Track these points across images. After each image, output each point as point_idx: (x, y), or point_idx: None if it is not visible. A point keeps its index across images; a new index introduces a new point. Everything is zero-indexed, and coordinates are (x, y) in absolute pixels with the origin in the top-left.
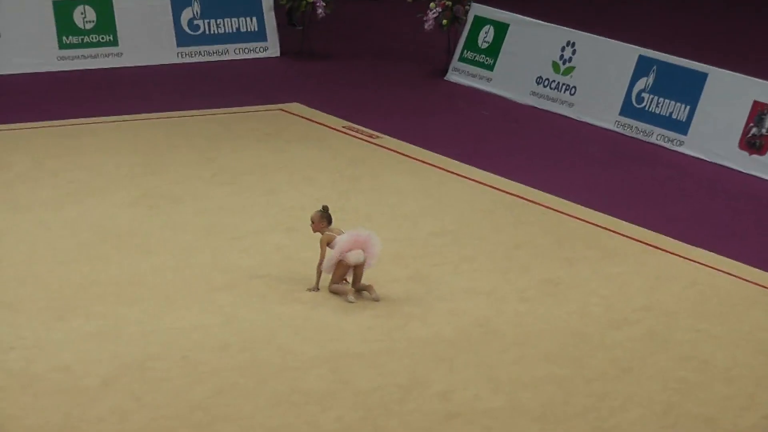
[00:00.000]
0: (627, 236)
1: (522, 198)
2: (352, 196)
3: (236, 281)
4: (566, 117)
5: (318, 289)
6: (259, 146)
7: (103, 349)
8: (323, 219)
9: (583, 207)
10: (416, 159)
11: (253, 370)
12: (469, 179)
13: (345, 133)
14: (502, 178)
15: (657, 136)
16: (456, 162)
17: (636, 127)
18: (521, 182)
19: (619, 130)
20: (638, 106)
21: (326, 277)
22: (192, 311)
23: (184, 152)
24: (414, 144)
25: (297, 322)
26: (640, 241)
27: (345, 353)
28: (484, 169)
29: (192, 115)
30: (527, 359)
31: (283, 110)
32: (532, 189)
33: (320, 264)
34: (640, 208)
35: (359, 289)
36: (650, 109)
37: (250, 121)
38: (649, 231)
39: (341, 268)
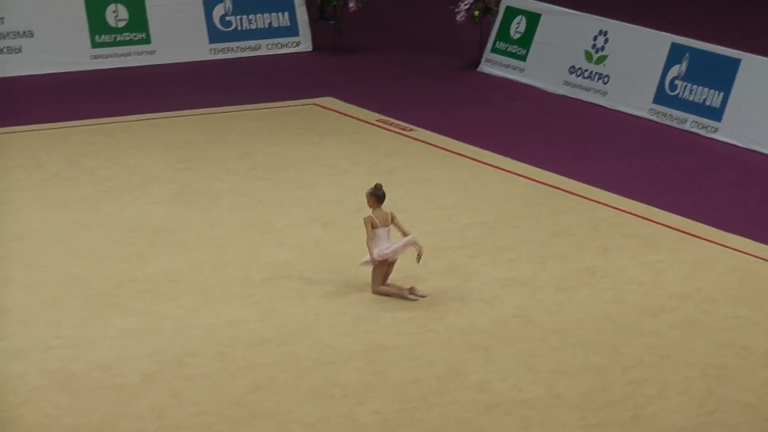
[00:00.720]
0: (663, 224)
1: (557, 188)
2: (387, 188)
3: (273, 276)
4: (600, 106)
5: (370, 264)
6: (294, 141)
7: (141, 346)
8: (372, 197)
9: (618, 195)
10: (450, 151)
11: (290, 365)
12: (504, 170)
13: (379, 126)
14: (537, 169)
15: (691, 123)
16: (490, 153)
17: (670, 115)
18: (556, 172)
19: (653, 117)
20: (671, 94)
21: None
22: (229, 307)
23: (219, 148)
24: (448, 136)
25: (334, 317)
26: (676, 229)
27: (381, 346)
28: (519, 160)
29: (226, 111)
30: (565, 348)
31: (316, 104)
32: (567, 179)
33: (368, 239)
34: (676, 195)
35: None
36: (684, 96)
37: (284, 115)
38: (685, 218)
39: (382, 266)
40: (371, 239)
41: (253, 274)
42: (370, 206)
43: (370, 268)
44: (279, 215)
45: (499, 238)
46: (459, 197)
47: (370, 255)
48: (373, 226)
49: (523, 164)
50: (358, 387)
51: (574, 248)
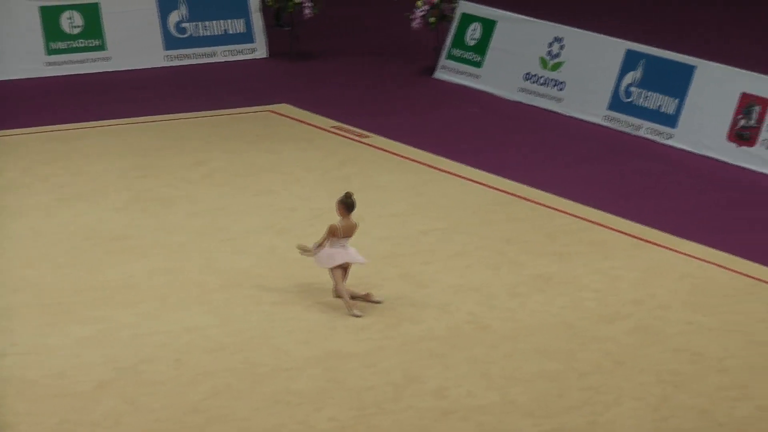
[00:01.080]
0: (618, 230)
1: (512, 194)
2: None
3: (230, 283)
4: (555, 112)
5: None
6: (250, 148)
7: (97, 353)
8: (341, 205)
9: (573, 202)
10: (406, 157)
11: (247, 372)
12: (459, 177)
13: (334, 133)
14: (492, 175)
15: (646, 129)
16: (446, 159)
17: (625, 121)
18: (511, 179)
19: (608, 124)
20: (627, 100)
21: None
22: (186, 313)
23: (175, 155)
24: (403, 143)
25: (290, 323)
26: (631, 235)
27: (338, 353)
28: (474, 167)
29: (181, 118)
30: (519, 354)
31: (272, 111)
32: (522, 185)
33: (316, 246)
34: (631, 202)
35: (354, 297)
36: (639, 103)
37: (239, 122)
38: (640, 225)
39: (338, 269)
40: (322, 246)
41: (209, 281)
42: (339, 215)
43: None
44: (235, 222)
45: (452, 244)
46: (413, 204)
47: (314, 253)
48: (334, 235)
49: (478, 171)
50: (315, 394)
51: (528, 255)
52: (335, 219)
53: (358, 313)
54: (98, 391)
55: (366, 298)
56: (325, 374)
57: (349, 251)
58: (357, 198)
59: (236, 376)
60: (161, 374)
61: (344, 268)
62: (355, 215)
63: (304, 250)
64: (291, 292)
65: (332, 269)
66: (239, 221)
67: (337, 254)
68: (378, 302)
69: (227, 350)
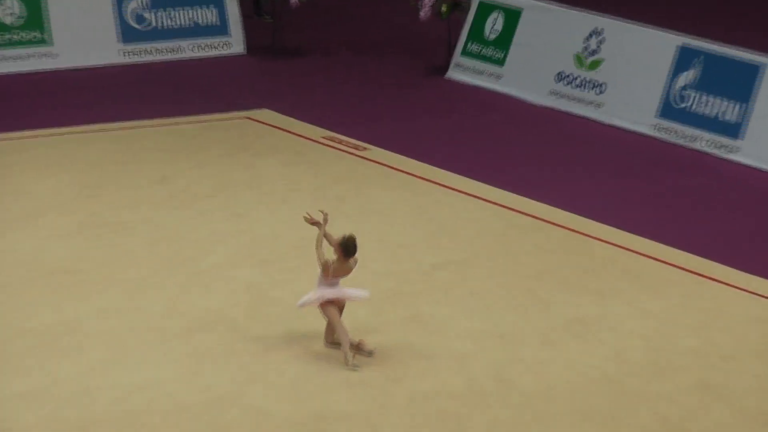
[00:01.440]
0: (669, 263)
1: (541, 219)
2: (335, 220)
3: (197, 327)
4: (593, 120)
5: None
6: (223, 162)
7: (34, 412)
8: (339, 248)
9: (616, 229)
10: (412, 174)
11: None
12: (477, 198)
13: (325, 144)
14: (517, 196)
15: (704, 141)
16: (460, 177)
17: (678, 131)
18: (540, 200)
19: (658, 135)
20: (680, 106)
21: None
22: (143, 365)
23: (132, 171)
24: (409, 156)
25: (270, 377)
26: (688, 270)
27: (329, 414)
28: (495, 186)
29: (141, 127)
30: (553, 417)
31: (250, 118)
32: (554, 208)
33: (318, 242)
34: (686, 228)
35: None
36: (695, 110)
37: (211, 132)
38: (697, 256)
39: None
40: (320, 248)
41: (172, 325)
42: (337, 254)
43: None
44: (204, 253)
45: (470, 281)
46: (422, 231)
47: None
48: (324, 273)
49: (500, 190)
50: None
51: (562, 293)
52: (327, 246)
53: (357, 364)
54: None
55: (358, 347)
56: None
57: (343, 288)
58: (353, 224)
59: None
60: None
61: (339, 307)
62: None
63: (306, 304)
64: (272, 338)
65: (324, 308)
66: (210, 251)
67: (329, 290)
68: (371, 352)
69: (192, 411)
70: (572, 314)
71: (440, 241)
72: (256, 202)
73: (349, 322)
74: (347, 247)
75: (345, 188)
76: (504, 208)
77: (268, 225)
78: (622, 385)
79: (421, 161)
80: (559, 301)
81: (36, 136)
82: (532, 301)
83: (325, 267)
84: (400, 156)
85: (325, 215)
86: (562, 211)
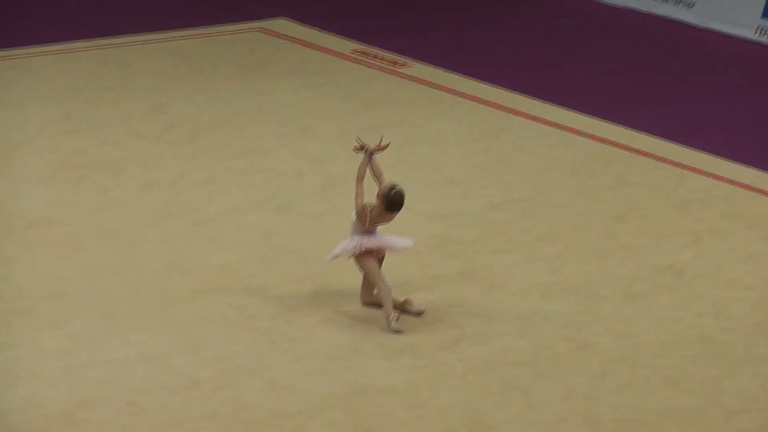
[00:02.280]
0: None
1: (624, 147)
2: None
3: (204, 287)
4: (685, 24)
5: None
6: (231, 85)
7: (12, 394)
8: (383, 202)
9: (714, 157)
10: (463, 95)
11: (234, 419)
12: (545, 122)
13: (356, 60)
14: (593, 119)
15: None
16: (523, 97)
17: None
18: (622, 124)
19: (764, 40)
20: None
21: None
22: (141, 334)
23: (121, 98)
24: (459, 73)
25: (296, 345)
26: None
27: (368, 388)
28: (565, 107)
29: (132, 43)
30: (640, 386)
31: (263, 30)
32: (639, 133)
33: (359, 174)
34: None
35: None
36: None
37: (215, 48)
38: None
39: (368, 259)
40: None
41: (174, 285)
42: (378, 201)
43: (347, 265)
44: (210, 197)
45: (538, 224)
46: (477, 164)
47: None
48: (361, 219)
49: (572, 113)
50: None
51: (649, 237)
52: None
53: (401, 328)
54: None
55: (404, 307)
56: (350, 419)
57: (383, 236)
58: (392, 158)
59: (218, 425)
60: (108, 425)
61: (378, 259)
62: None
63: (338, 257)
64: (296, 299)
65: (360, 260)
66: (217, 196)
67: (366, 239)
68: (420, 313)
69: (203, 388)
70: (662, 261)
71: (500, 176)
72: (272, 134)
73: (391, 276)
74: (392, 203)
75: (380, 114)
76: (577, 134)
77: (287, 162)
78: (723, 345)
79: (474, 79)
80: (645, 245)
81: (4, 58)
82: (613, 247)
83: (362, 212)
84: (447, 73)
85: (381, 144)
86: (648, 136)
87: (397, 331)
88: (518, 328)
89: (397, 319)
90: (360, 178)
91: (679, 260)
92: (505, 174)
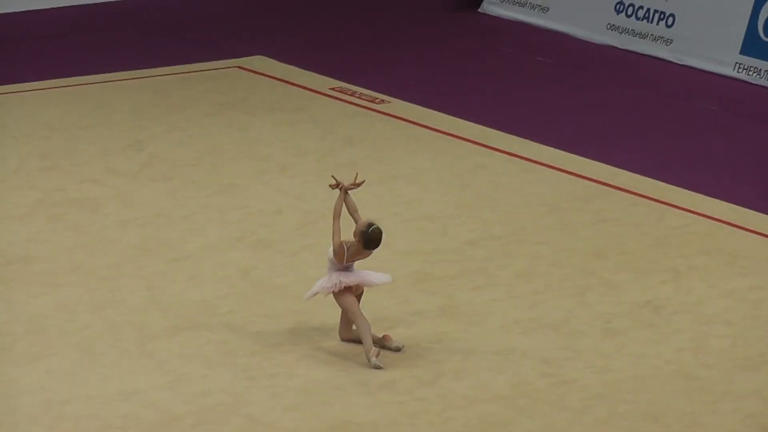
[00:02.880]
0: (760, 233)
1: (602, 183)
2: (350, 191)
3: (183, 323)
4: (663, 60)
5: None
6: (209, 122)
7: None
8: (360, 237)
9: (692, 193)
10: (440, 131)
11: None
12: (523, 158)
13: (334, 97)
14: (572, 155)
15: None
16: (500, 133)
17: (766, 71)
18: (599, 159)
19: (742, 76)
20: None
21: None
22: (120, 370)
23: (99, 135)
24: (436, 110)
25: (275, 381)
26: None
27: (347, 424)
28: (543, 143)
29: (110, 80)
30: (619, 421)
31: (241, 67)
32: (617, 169)
33: (336, 211)
34: None
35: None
36: None
37: (194, 85)
38: None
39: (347, 296)
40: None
41: (152, 322)
42: (356, 239)
43: (326, 301)
44: (188, 234)
45: (517, 260)
46: (456, 201)
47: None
48: (338, 257)
49: (550, 149)
50: None
51: (629, 273)
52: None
53: (381, 364)
54: None
55: (382, 343)
56: None
57: (361, 272)
58: (370, 194)
59: None
60: None
61: (357, 295)
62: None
63: (315, 294)
64: (275, 335)
65: (339, 296)
66: (195, 232)
67: (344, 276)
68: (399, 349)
69: (182, 424)
70: (641, 297)
71: (478, 213)
72: (251, 171)
73: (370, 312)
74: (370, 241)
75: (360, 151)
76: (556, 171)
77: (265, 199)
78: (703, 381)
79: (452, 115)
80: (625, 281)
81: None
82: (593, 283)
83: (340, 250)
84: (425, 109)
85: (357, 181)
86: (627, 172)
87: (377, 367)
88: (498, 363)
89: (377, 355)
90: (336, 216)
91: (659, 296)
92: (483, 210)
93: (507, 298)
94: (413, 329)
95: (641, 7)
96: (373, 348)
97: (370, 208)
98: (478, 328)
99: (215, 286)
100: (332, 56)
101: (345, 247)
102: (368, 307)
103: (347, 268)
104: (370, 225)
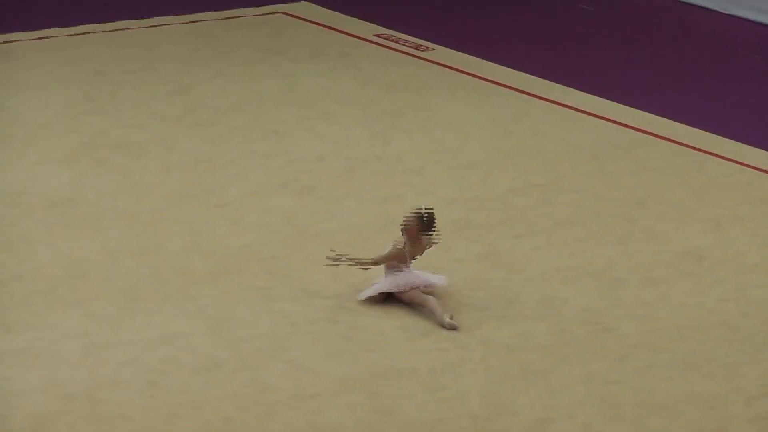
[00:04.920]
0: None
1: (645, 132)
2: (393, 138)
3: (224, 269)
4: (708, 10)
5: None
6: (253, 69)
7: (31, 376)
8: (415, 223)
9: (737, 143)
10: (485, 79)
11: (253, 400)
12: (566, 107)
13: (378, 44)
14: (615, 104)
15: None
16: (544, 81)
17: None
18: (643, 109)
19: None
20: None
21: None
22: (161, 315)
23: (142, 81)
24: (482, 57)
25: (317, 327)
26: None
27: (389, 370)
28: (588, 92)
29: (151, 26)
30: (659, 370)
31: (285, 13)
32: (659, 117)
33: (360, 263)
34: None
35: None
36: None
37: (237, 31)
38: None
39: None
40: (367, 264)
41: (194, 267)
42: (407, 234)
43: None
44: (231, 180)
45: (558, 208)
46: (497, 149)
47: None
48: (400, 260)
49: (593, 97)
50: None
51: (669, 222)
52: (378, 172)
53: (455, 323)
54: (35, 431)
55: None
56: (370, 403)
57: (418, 274)
58: (413, 142)
59: (238, 406)
60: (128, 405)
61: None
62: (410, 168)
63: (337, 259)
64: (317, 281)
65: (402, 297)
66: (238, 178)
67: (401, 279)
68: (453, 328)
69: (224, 369)
70: (682, 247)
71: (519, 161)
72: (294, 117)
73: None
74: (425, 222)
75: (402, 99)
76: (598, 119)
77: (308, 145)
78: (743, 331)
79: (497, 63)
80: (665, 231)
81: (27, 39)
82: (633, 232)
83: (399, 253)
84: (470, 57)
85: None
86: (669, 121)
87: (453, 327)
88: (538, 312)
89: (452, 317)
90: (362, 263)
91: (700, 246)
92: (525, 159)
93: (547, 246)
94: (455, 277)
95: None
96: (446, 314)
97: (413, 156)
98: (518, 276)
99: (257, 232)
100: (377, 3)
101: (402, 247)
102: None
103: (405, 270)
104: (419, 209)
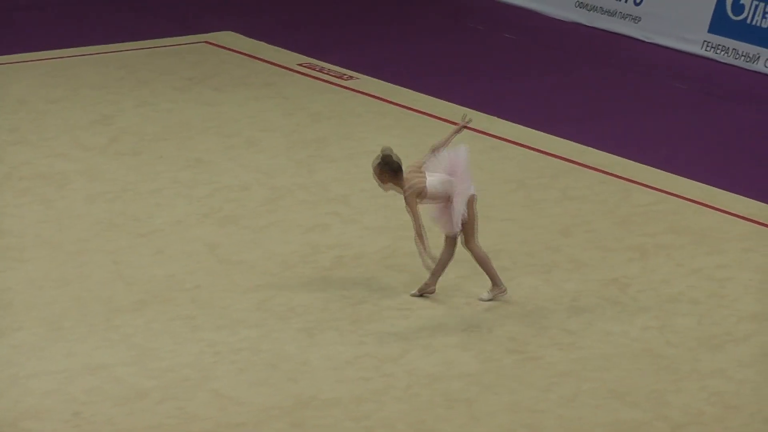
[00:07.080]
0: (727, 212)
1: (569, 161)
2: (317, 167)
3: (150, 298)
4: (630, 38)
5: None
6: (177, 97)
7: None
8: (384, 172)
9: (659, 171)
10: (408, 108)
11: (179, 430)
12: (489, 135)
13: (302, 73)
14: (538, 132)
15: (766, 61)
16: (467, 110)
17: (734, 50)
18: (566, 137)
19: (710, 54)
20: (736, 18)
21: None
22: (86, 344)
23: (66, 109)
24: (404, 86)
25: (241, 356)
26: (747, 219)
27: (313, 400)
28: (510, 120)
29: (74, 55)
30: (585, 398)
31: (209, 42)
32: (584, 146)
33: (417, 234)
34: (746, 170)
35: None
36: (755, 23)
37: (161, 60)
38: (760, 202)
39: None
40: (420, 224)
41: (119, 296)
42: (390, 182)
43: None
44: (155, 209)
45: (484, 237)
46: None
47: (423, 246)
48: (419, 197)
49: (517, 126)
50: None
51: (594, 251)
52: (303, 201)
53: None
54: None
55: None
56: (294, 431)
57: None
58: (337, 171)
59: None
60: None
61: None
62: (335, 196)
63: (426, 254)
64: (242, 311)
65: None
66: (162, 208)
67: (447, 209)
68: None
69: (149, 399)
70: (608, 275)
71: None
72: (218, 146)
73: (337, 293)
74: (391, 166)
75: (326, 128)
76: (522, 148)
77: (232, 174)
78: (668, 359)
79: (419, 92)
80: (591, 259)
81: None
82: (558, 261)
83: (421, 191)
84: (393, 86)
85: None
86: (594, 150)
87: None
88: (462, 341)
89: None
90: (421, 234)
91: (625, 274)
92: None
93: (473, 275)
94: (379, 305)
95: None
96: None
97: (338, 185)
98: (443, 305)
99: (182, 262)
100: (300, 32)
101: (404, 191)
102: (336, 283)
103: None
104: (375, 160)
